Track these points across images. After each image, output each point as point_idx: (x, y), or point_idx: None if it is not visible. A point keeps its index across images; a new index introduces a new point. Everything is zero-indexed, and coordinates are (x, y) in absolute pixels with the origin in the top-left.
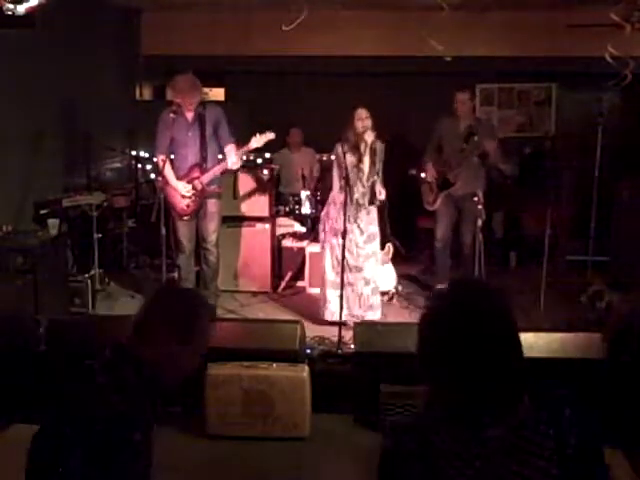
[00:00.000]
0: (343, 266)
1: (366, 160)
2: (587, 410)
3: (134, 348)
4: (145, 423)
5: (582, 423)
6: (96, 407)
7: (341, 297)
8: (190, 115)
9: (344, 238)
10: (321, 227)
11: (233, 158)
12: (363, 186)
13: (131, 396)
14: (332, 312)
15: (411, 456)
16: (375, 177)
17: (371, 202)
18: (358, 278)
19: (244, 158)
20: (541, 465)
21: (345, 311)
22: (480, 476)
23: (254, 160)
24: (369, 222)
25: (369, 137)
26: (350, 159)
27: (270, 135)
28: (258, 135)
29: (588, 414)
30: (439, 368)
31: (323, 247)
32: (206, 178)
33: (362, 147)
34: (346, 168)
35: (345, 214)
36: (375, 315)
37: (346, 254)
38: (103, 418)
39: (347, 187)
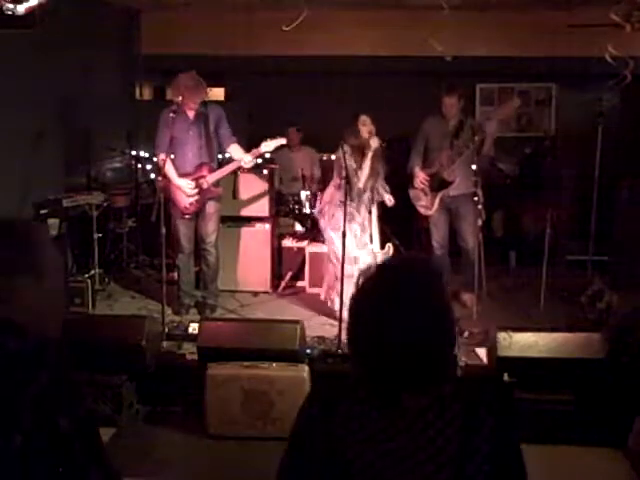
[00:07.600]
0: (343, 263)
1: (367, 164)
2: (510, 424)
3: None
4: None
5: (503, 435)
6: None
7: (341, 293)
8: (191, 114)
9: (344, 236)
10: (321, 224)
11: (247, 157)
12: (361, 188)
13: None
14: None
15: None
16: (378, 181)
17: (372, 201)
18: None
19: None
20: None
21: None
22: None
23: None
24: (368, 220)
25: (374, 142)
26: (350, 162)
27: (281, 140)
28: (269, 140)
29: (511, 428)
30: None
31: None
32: (214, 177)
33: (366, 151)
34: (346, 168)
35: (345, 213)
36: None
37: (343, 248)
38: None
39: (347, 187)
